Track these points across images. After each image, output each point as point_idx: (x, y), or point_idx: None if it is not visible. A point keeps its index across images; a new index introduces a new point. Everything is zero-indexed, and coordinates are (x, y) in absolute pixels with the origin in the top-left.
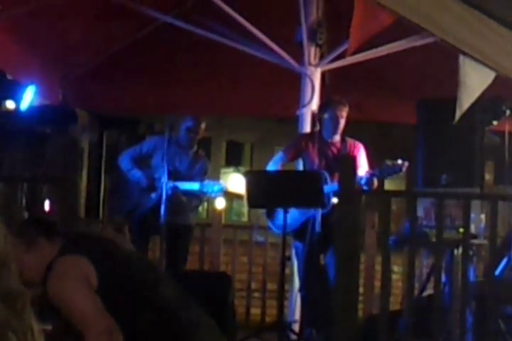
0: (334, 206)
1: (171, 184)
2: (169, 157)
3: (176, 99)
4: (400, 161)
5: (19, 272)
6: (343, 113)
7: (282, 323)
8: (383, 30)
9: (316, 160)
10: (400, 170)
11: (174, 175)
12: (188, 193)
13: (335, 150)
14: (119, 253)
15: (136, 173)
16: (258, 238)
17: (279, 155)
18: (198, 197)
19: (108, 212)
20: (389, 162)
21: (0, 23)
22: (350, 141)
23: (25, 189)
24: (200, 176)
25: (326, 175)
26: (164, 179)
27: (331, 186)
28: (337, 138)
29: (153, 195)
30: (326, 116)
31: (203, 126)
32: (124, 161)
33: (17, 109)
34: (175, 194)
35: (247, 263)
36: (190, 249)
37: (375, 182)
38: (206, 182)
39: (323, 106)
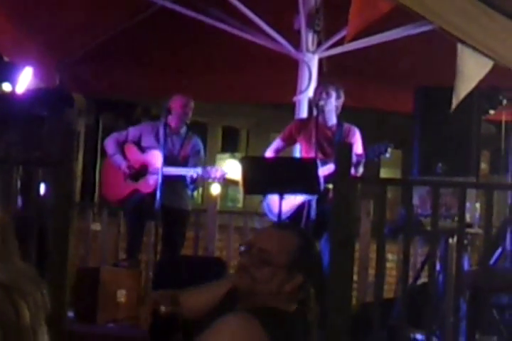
0: (327, 191)
1: (166, 169)
2: (162, 141)
3: (172, 84)
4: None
5: None
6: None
7: None
8: (381, 17)
9: (311, 146)
10: (386, 150)
11: (170, 159)
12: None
13: (330, 133)
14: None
15: (118, 159)
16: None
17: (275, 142)
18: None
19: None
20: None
21: None
22: (346, 125)
23: (20, 172)
24: (195, 156)
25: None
26: (160, 164)
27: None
28: (333, 122)
29: (150, 180)
30: (322, 102)
31: (191, 105)
32: (109, 145)
33: (13, 91)
34: (171, 179)
35: None
36: (186, 234)
37: (361, 167)
38: (208, 168)
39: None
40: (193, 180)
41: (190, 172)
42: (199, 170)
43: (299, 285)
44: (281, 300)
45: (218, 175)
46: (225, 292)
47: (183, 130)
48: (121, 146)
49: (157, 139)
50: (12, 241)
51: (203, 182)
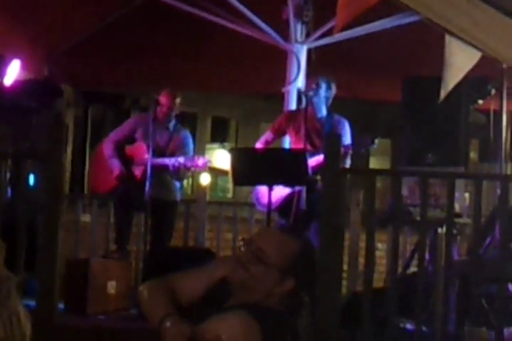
0: (316, 182)
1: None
2: (149, 134)
3: (161, 75)
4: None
5: None
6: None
7: None
8: (370, 8)
9: (301, 137)
10: (373, 142)
11: (157, 151)
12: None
13: (319, 125)
14: None
15: (114, 162)
16: None
17: (265, 134)
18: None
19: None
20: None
21: None
22: (336, 117)
23: (9, 163)
24: (183, 149)
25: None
26: (149, 155)
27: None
28: (323, 114)
29: (136, 171)
30: (311, 93)
31: (177, 100)
32: (107, 148)
33: (1, 83)
34: (157, 170)
35: (231, 240)
36: (175, 225)
37: (348, 159)
38: (190, 156)
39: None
40: (175, 169)
41: (172, 161)
42: (181, 159)
43: (288, 290)
44: (273, 302)
45: (200, 163)
46: (218, 279)
47: (172, 123)
48: (119, 146)
49: (146, 132)
50: None
51: (187, 171)
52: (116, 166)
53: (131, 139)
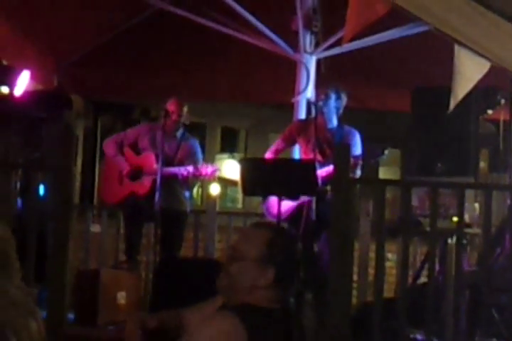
0: (326, 192)
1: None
2: (157, 143)
3: (171, 85)
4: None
5: None
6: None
7: None
8: (379, 18)
9: (311, 147)
10: (383, 153)
11: (165, 160)
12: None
13: (330, 135)
14: None
15: (120, 160)
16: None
17: (276, 143)
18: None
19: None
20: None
21: None
22: (346, 127)
23: (19, 174)
24: (191, 157)
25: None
26: (158, 165)
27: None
28: (334, 124)
29: (145, 181)
30: (320, 103)
31: (185, 109)
32: (109, 147)
33: (11, 94)
34: (167, 180)
35: None
36: (185, 235)
37: (358, 170)
38: (199, 165)
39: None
40: (184, 178)
41: (182, 170)
42: (190, 168)
43: (272, 280)
44: (262, 297)
45: (209, 171)
46: (219, 306)
47: (180, 132)
48: (120, 147)
49: (153, 141)
50: (13, 264)
51: (196, 180)
52: (123, 163)
53: (132, 146)
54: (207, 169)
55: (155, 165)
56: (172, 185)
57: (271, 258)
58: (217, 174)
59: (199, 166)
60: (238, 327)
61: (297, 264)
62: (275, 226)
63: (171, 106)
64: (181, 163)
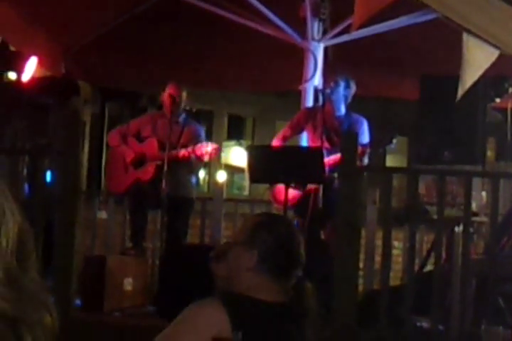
0: (332, 180)
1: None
2: (160, 130)
3: (178, 72)
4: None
5: None
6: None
7: None
8: (387, 6)
9: (318, 135)
10: (391, 142)
11: (168, 147)
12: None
13: (337, 123)
14: None
15: (123, 148)
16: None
17: (283, 130)
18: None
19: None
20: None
21: None
22: (354, 115)
23: (26, 160)
24: (195, 140)
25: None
26: (161, 151)
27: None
28: (342, 112)
29: (149, 167)
30: (328, 90)
31: (184, 94)
32: (113, 138)
33: (19, 80)
34: (174, 165)
35: None
36: (192, 222)
37: (366, 158)
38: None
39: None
40: (186, 159)
41: (182, 151)
42: (189, 148)
43: (256, 262)
44: (250, 283)
45: (209, 149)
46: None
47: (182, 117)
48: (124, 138)
49: (155, 129)
50: (30, 255)
51: (200, 163)
52: (127, 151)
53: (136, 137)
54: (207, 147)
55: (157, 151)
56: (178, 171)
57: (255, 241)
58: (218, 152)
59: (199, 145)
60: (219, 309)
61: (282, 247)
62: (273, 214)
63: (171, 89)
64: (185, 148)
